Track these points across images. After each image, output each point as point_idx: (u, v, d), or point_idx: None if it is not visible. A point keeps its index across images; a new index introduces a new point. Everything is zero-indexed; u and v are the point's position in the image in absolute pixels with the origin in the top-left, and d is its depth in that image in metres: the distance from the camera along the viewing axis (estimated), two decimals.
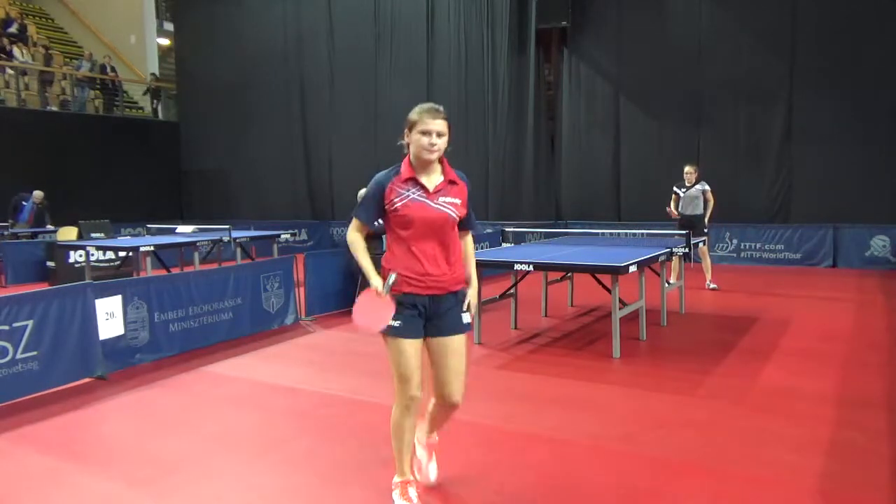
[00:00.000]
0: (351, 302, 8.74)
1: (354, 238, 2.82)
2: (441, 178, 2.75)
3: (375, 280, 2.71)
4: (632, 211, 12.41)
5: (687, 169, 8.70)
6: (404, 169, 2.73)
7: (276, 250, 9.85)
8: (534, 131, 13.18)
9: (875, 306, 7.32)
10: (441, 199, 2.70)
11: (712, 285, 8.63)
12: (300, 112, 16.05)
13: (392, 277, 2.67)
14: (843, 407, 4.05)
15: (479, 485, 3.13)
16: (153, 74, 18.57)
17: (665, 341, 5.92)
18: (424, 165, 2.71)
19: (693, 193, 8.57)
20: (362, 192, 2.54)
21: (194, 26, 17.71)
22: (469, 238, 2.98)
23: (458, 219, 2.77)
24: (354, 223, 2.82)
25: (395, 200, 2.68)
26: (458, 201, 2.75)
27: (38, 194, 12.49)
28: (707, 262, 8.77)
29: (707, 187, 8.56)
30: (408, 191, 2.68)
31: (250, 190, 16.71)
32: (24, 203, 12.50)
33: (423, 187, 2.70)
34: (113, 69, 17.99)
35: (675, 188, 8.77)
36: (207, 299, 5.99)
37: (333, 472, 3.33)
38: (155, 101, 18.35)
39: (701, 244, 8.31)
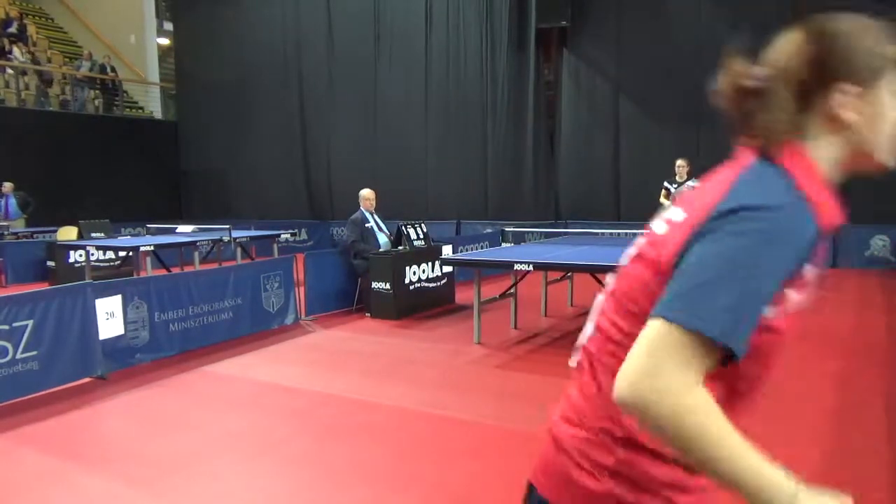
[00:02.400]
0: (351, 302, 8.62)
1: (700, 406, 0.86)
2: None
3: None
4: (632, 210, 12.38)
5: (679, 162, 8.49)
6: (822, 201, 1.00)
7: (276, 250, 9.84)
8: (533, 131, 13.17)
9: (875, 306, 7.32)
10: None
11: None
12: (300, 112, 16.04)
13: None
14: (843, 407, 4.06)
15: (478, 484, 3.13)
16: (81, 63, 17.93)
17: None
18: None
19: (684, 190, 8.40)
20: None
21: (194, 26, 17.70)
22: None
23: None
24: (685, 360, 0.87)
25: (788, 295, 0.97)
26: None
27: (7, 185, 12.30)
28: None
29: (699, 184, 8.41)
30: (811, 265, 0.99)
31: (250, 190, 16.69)
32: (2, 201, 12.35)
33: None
34: (113, 69, 17.96)
35: (665, 183, 8.60)
36: (207, 299, 5.98)
37: (333, 472, 3.33)
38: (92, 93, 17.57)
39: None
